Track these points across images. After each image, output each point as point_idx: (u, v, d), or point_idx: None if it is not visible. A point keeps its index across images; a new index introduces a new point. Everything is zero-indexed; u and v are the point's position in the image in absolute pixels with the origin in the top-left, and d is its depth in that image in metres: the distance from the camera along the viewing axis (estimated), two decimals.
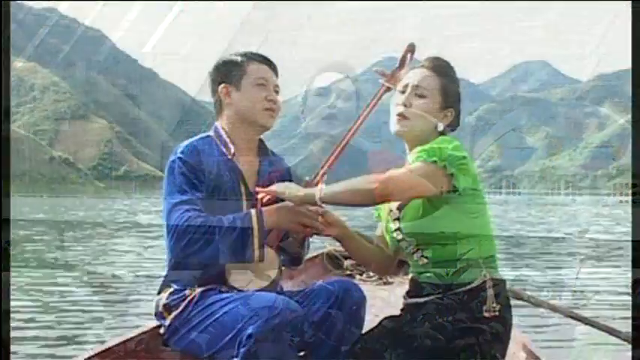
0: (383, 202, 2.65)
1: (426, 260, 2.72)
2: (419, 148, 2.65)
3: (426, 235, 2.67)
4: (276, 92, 3.07)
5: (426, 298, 2.71)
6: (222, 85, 3.03)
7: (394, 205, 2.79)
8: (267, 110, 3.01)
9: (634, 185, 3.16)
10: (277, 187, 2.68)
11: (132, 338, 3.02)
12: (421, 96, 2.80)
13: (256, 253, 2.73)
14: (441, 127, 2.79)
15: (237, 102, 3.01)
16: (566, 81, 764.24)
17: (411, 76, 2.86)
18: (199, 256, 2.74)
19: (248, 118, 3.01)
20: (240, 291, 2.80)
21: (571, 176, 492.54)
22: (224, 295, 2.79)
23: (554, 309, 3.87)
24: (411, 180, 2.56)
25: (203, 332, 2.75)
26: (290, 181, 3.09)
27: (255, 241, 2.73)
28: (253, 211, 2.79)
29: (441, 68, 2.85)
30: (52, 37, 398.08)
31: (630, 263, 3.77)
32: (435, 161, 2.57)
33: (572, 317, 3.77)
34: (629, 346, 3.65)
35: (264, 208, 2.81)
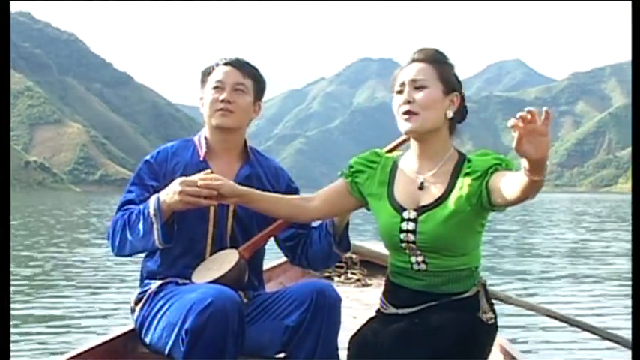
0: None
1: (424, 267, 2.69)
2: (494, 155, 2.63)
3: (444, 244, 2.65)
4: (240, 91, 3.05)
5: (418, 307, 2.69)
6: (200, 97, 3.11)
7: (407, 203, 2.73)
8: (218, 111, 3.01)
9: (635, 184, 3.15)
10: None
11: (108, 341, 3.03)
12: (421, 87, 2.71)
13: (156, 238, 2.77)
14: (450, 114, 2.73)
15: (203, 110, 3.09)
16: (541, 79, 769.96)
17: (405, 73, 2.77)
18: (125, 249, 2.87)
19: (208, 121, 3.07)
20: (193, 283, 2.84)
21: (547, 174, 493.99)
22: (172, 289, 2.86)
23: (532, 308, 3.86)
24: None
25: (158, 327, 2.82)
26: (289, 189, 3.21)
27: (155, 227, 2.76)
28: (152, 198, 2.82)
29: (433, 56, 2.78)
30: (25, 41, 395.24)
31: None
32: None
33: (550, 316, 3.75)
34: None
35: (161, 193, 2.82)
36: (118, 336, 3.08)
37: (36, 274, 11.81)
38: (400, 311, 2.74)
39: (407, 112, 2.70)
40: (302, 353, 2.77)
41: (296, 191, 3.21)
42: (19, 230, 23.13)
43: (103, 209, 46.27)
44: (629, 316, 8.31)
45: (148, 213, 2.78)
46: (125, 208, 2.90)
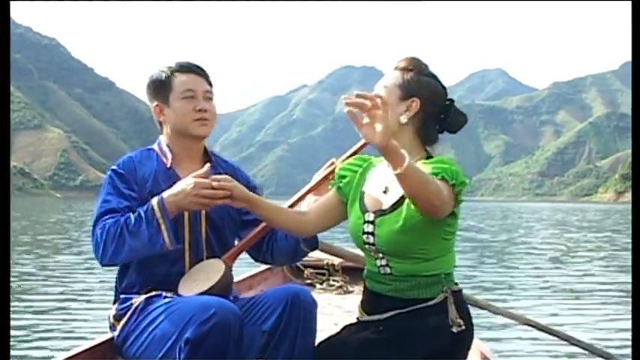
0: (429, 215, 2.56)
1: (389, 271, 2.71)
2: (438, 166, 2.59)
3: (401, 249, 2.67)
4: (209, 98, 3.08)
5: (386, 315, 2.71)
6: (155, 104, 3.07)
7: (371, 206, 2.77)
8: (197, 121, 3.02)
9: (635, 187, 3.09)
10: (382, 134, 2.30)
11: (87, 350, 2.98)
12: (381, 92, 2.77)
13: (167, 240, 2.78)
14: (404, 119, 2.73)
15: (169, 118, 3.05)
16: (523, 89, 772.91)
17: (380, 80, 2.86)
18: (120, 257, 2.80)
19: (182, 131, 3.04)
20: (181, 296, 2.83)
21: (528, 183, 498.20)
22: (165, 301, 2.81)
23: (511, 317, 3.85)
24: (448, 199, 2.54)
25: (147, 339, 2.78)
26: (248, 186, 3.08)
27: (163, 227, 2.77)
28: (154, 200, 2.82)
29: (404, 64, 2.82)
30: None
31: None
32: (453, 184, 2.56)
33: (529, 325, 3.74)
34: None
35: (165, 194, 2.83)
36: (97, 345, 3.04)
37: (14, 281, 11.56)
38: (370, 318, 2.77)
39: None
40: (279, 357, 2.78)
41: (254, 189, 3.11)
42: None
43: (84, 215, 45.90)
44: (608, 325, 8.32)
45: (152, 215, 2.78)
46: (108, 216, 2.84)
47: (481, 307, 3.81)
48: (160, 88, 3.05)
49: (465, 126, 2.68)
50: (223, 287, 2.86)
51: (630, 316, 3.09)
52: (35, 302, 9.67)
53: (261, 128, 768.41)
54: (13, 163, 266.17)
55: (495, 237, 27.47)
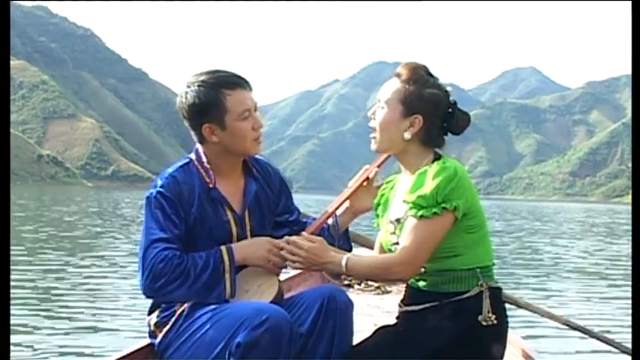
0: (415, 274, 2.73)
1: (423, 270, 2.72)
2: (414, 198, 2.64)
3: None
4: (255, 109, 2.95)
5: (421, 306, 2.73)
6: (205, 126, 2.90)
7: (391, 217, 2.84)
8: (255, 140, 2.94)
9: (634, 187, 3.21)
10: (308, 251, 2.74)
11: (125, 356, 3.00)
12: (383, 107, 2.79)
13: (228, 289, 2.80)
14: (407, 135, 2.75)
15: (223, 139, 2.91)
16: (556, 88, 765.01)
17: (381, 89, 2.85)
18: (173, 296, 2.78)
19: (238, 151, 2.96)
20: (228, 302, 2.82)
21: (559, 183, 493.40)
22: (212, 307, 2.79)
23: (550, 316, 3.84)
24: (428, 240, 2.62)
25: (194, 345, 2.77)
26: (282, 185, 3.20)
27: (227, 276, 2.80)
28: (224, 249, 2.84)
29: (406, 74, 2.79)
30: (41, 35, 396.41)
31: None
32: (435, 213, 2.60)
33: (568, 325, 3.74)
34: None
35: (234, 245, 2.87)
36: (136, 351, 3.04)
37: (35, 278, 11.60)
38: (406, 309, 2.81)
39: (371, 128, 2.83)
40: (317, 359, 2.79)
41: (277, 175, 3.21)
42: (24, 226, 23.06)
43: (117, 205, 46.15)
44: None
45: (220, 262, 2.81)
46: (164, 246, 2.78)
47: (520, 306, 3.85)
48: (211, 110, 2.88)
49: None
50: (276, 300, 2.86)
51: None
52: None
53: (292, 122, 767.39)
54: (46, 152, 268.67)
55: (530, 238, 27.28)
